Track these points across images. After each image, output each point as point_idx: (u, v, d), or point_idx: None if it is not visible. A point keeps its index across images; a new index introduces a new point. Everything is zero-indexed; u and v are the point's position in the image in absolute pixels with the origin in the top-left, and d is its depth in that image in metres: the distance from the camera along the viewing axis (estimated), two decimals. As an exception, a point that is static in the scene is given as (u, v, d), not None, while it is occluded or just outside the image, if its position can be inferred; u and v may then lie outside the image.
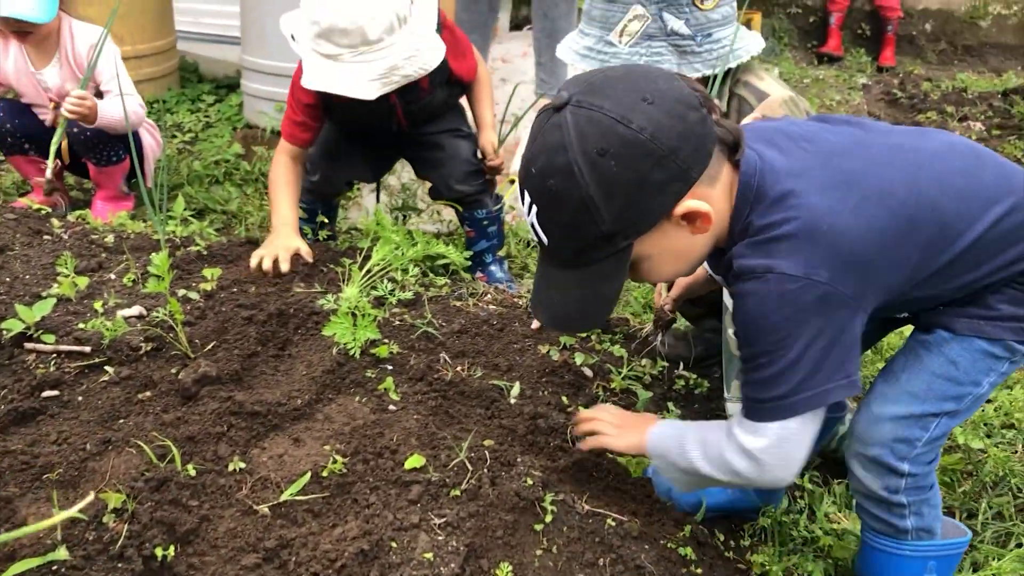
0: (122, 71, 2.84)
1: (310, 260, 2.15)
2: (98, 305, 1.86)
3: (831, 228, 1.19)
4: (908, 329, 1.48)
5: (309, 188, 2.43)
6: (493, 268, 2.61)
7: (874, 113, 4.65)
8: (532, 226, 1.21)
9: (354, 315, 1.78)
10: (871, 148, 1.30)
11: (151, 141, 3.03)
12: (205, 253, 2.23)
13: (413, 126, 2.38)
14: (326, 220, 2.48)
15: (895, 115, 4.65)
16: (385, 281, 1.94)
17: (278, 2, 3.27)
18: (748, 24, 5.67)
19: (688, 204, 1.18)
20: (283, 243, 2.14)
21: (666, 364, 1.97)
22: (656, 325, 1.92)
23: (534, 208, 1.18)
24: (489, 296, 2.15)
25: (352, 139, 2.42)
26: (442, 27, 2.27)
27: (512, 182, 2.76)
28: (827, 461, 1.84)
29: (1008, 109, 4.60)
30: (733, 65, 1.69)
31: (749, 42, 1.72)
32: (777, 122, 1.40)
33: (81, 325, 1.78)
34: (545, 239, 1.21)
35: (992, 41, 5.81)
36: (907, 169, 1.27)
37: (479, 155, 2.47)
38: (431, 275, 2.29)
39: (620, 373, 1.90)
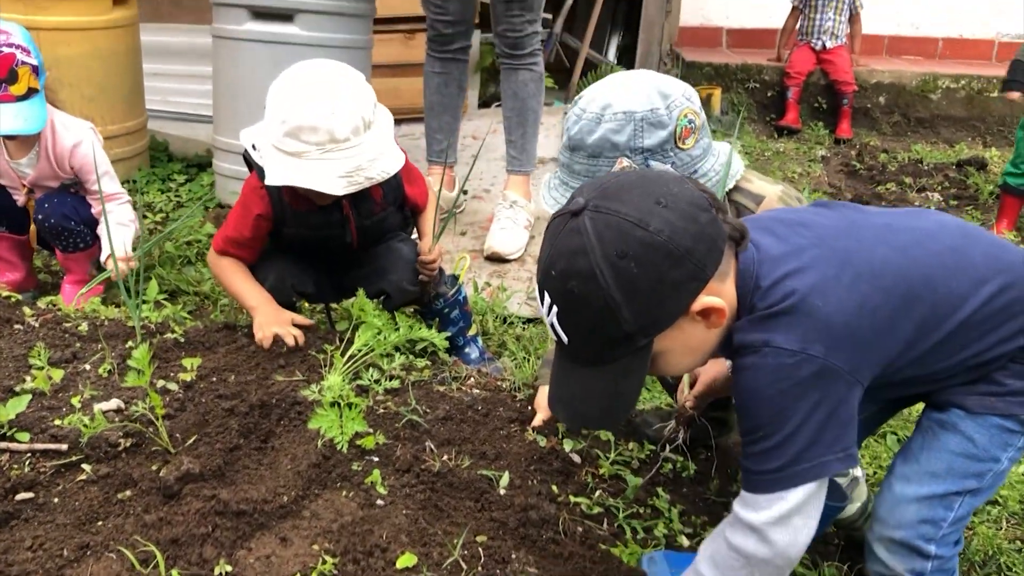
0: (110, 171, 2.82)
1: (310, 323, 2.21)
2: (75, 400, 1.82)
3: (826, 304, 1.24)
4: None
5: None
6: (468, 351, 2.59)
7: (835, 184, 4.76)
8: (552, 326, 1.25)
9: (339, 405, 1.76)
10: (864, 229, 1.35)
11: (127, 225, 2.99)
12: (182, 340, 2.19)
13: (362, 244, 2.36)
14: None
15: (855, 186, 4.77)
16: (370, 370, 1.92)
17: (249, 81, 3.31)
18: (708, 99, 5.83)
19: (704, 300, 1.23)
20: (275, 318, 2.15)
21: (653, 447, 1.96)
22: (678, 422, 1.91)
23: (554, 309, 1.22)
24: (472, 380, 2.14)
25: (301, 256, 2.39)
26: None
27: (464, 259, 2.77)
28: (815, 543, 1.83)
29: (964, 180, 4.74)
30: (729, 188, 1.73)
31: (733, 162, 1.76)
32: (774, 211, 1.44)
33: (57, 421, 1.73)
34: (566, 338, 1.24)
35: (943, 113, 6.02)
36: (900, 248, 1.33)
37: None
38: (411, 357, 2.28)
39: (608, 458, 1.89)
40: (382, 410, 1.89)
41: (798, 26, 6.01)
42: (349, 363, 1.96)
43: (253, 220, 2.24)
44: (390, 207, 2.38)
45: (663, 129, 1.64)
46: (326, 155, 2.05)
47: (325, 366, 2.03)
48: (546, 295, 1.23)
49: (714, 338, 1.30)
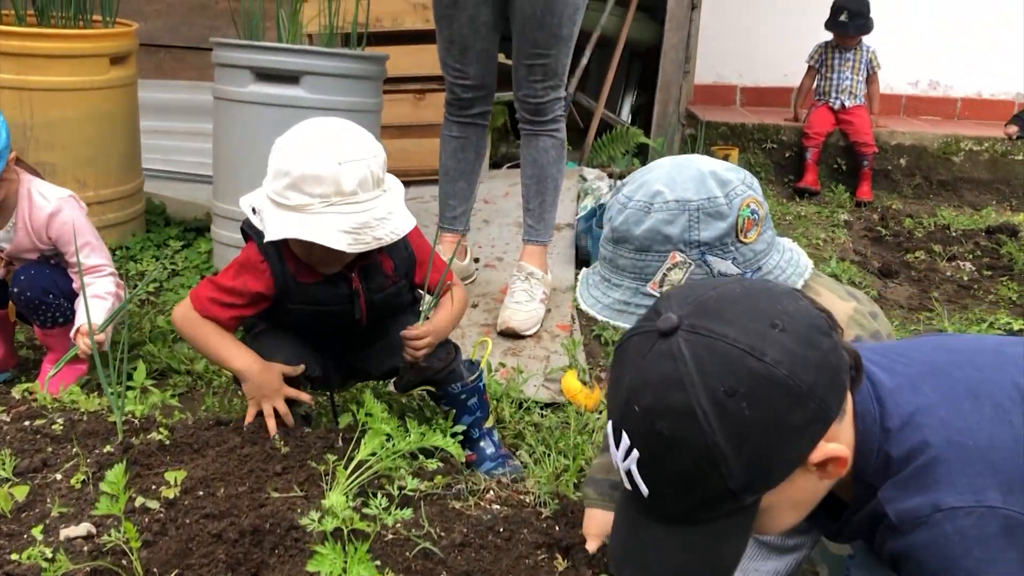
0: (92, 242, 2.62)
1: (305, 398, 2.08)
2: (37, 531, 1.58)
3: (977, 444, 1.03)
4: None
5: None
6: (483, 444, 2.36)
7: (860, 251, 4.56)
8: (628, 473, 1.03)
9: (341, 537, 1.53)
10: (970, 354, 1.15)
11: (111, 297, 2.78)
12: (167, 443, 1.97)
13: (371, 322, 2.18)
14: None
15: (882, 254, 4.57)
16: (378, 496, 1.67)
17: (251, 145, 3.12)
18: (726, 159, 5.67)
19: (827, 449, 1.01)
20: (267, 386, 2.02)
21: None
22: None
23: (634, 454, 1.01)
24: (492, 493, 1.91)
25: (304, 336, 2.20)
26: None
27: (483, 343, 2.52)
28: None
29: (996, 248, 4.54)
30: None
31: (799, 259, 1.55)
32: (861, 344, 1.23)
33: (15, 555, 1.50)
34: (646, 490, 1.02)
35: (966, 176, 5.84)
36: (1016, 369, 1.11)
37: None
38: (422, 458, 2.04)
39: (647, 592, 1.65)
40: (391, 536, 1.65)
41: (815, 86, 5.87)
42: (353, 477, 1.73)
43: (249, 296, 2.06)
44: (402, 280, 2.20)
45: (722, 220, 1.44)
46: (330, 208, 1.90)
47: (327, 478, 1.80)
48: (623, 436, 1.01)
49: (822, 490, 1.09)
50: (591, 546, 1.70)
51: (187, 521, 1.64)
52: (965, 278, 4.21)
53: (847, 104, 5.73)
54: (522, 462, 2.40)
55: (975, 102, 6.70)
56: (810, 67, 5.89)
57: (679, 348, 0.97)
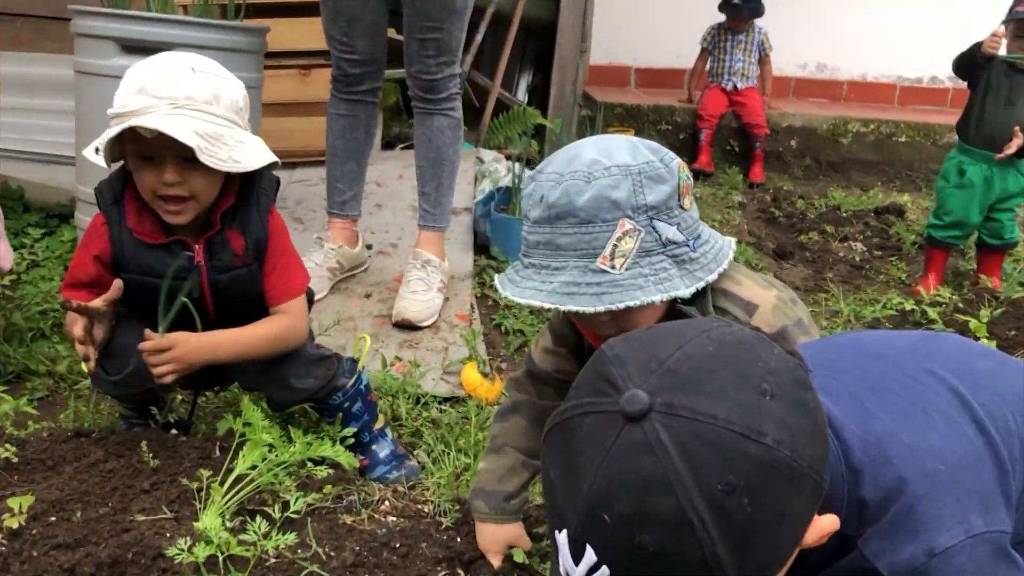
0: None
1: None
2: None
3: (946, 466, 0.94)
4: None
5: (121, 385, 1.91)
6: (375, 448, 2.19)
7: (755, 233, 4.58)
8: None
9: (217, 567, 1.35)
10: (894, 359, 1.06)
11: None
12: (16, 460, 1.73)
13: (220, 313, 1.93)
14: (155, 411, 1.99)
15: (776, 235, 4.60)
16: (257, 519, 1.49)
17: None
18: (623, 140, 5.62)
19: (822, 525, 0.86)
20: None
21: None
22: None
23: (603, 571, 0.80)
24: (387, 503, 1.76)
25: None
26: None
27: (362, 339, 2.31)
28: None
29: (885, 228, 4.63)
30: (725, 266, 1.41)
31: (721, 236, 1.46)
32: None
33: None
34: None
35: (853, 158, 5.97)
36: (958, 374, 1.03)
37: (313, 343, 1.98)
38: (309, 465, 1.87)
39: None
40: (273, 560, 1.48)
41: (708, 68, 5.89)
42: (231, 494, 1.55)
43: (91, 260, 1.85)
44: (252, 264, 1.93)
45: (664, 184, 1.32)
46: (178, 110, 1.70)
47: (200, 495, 1.61)
48: (588, 551, 0.79)
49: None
50: (494, 562, 1.58)
51: (34, 554, 1.44)
52: (857, 258, 4.27)
53: (739, 86, 5.76)
54: (420, 462, 2.25)
55: (860, 85, 6.86)
56: (703, 49, 5.89)
57: (657, 438, 0.78)
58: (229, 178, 1.92)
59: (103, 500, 1.61)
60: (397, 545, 1.60)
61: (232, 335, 1.86)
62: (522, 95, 5.25)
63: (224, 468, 1.63)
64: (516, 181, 3.63)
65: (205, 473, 1.63)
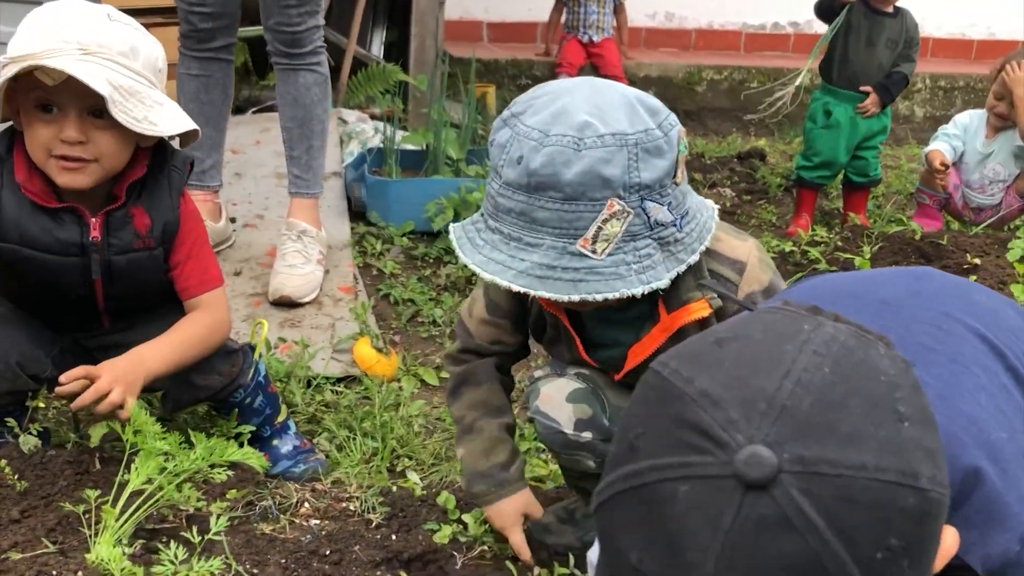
0: None
1: None
2: None
3: (1010, 436, 0.83)
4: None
5: None
6: (276, 443, 1.98)
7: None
8: None
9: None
10: (912, 311, 0.95)
11: None
12: None
13: (117, 306, 1.70)
14: (12, 424, 1.67)
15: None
16: (173, 545, 1.27)
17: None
18: (483, 98, 5.46)
19: (947, 547, 0.70)
20: None
21: (566, 572, 1.50)
22: None
23: None
24: (307, 505, 1.56)
25: (38, 324, 1.72)
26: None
27: (259, 325, 2.08)
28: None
29: (750, 173, 4.70)
30: (707, 242, 1.27)
31: (705, 205, 1.31)
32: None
33: None
34: None
35: (708, 105, 6.05)
36: (974, 318, 0.95)
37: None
38: (206, 469, 1.64)
39: (515, 598, 1.40)
40: (187, 586, 1.27)
41: (563, 20, 5.81)
42: (126, 516, 1.32)
43: None
44: (156, 248, 1.69)
45: (662, 158, 1.16)
46: (89, 56, 1.47)
47: (86, 519, 1.37)
48: None
49: None
50: (516, 538, 1.45)
51: None
52: (728, 204, 4.30)
53: (595, 39, 5.72)
54: (323, 451, 2.06)
55: (707, 33, 6.96)
56: (558, 1, 5.81)
57: (797, 509, 0.60)
58: (138, 150, 1.65)
59: (-37, 538, 1.35)
60: (327, 552, 1.41)
61: (159, 346, 1.62)
62: (377, 51, 4.99)
63: (115, 484, 1.39)
64: (386, 142, 3.41)
65: (92, 493, 1.38)
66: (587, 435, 1.48)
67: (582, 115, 1.15)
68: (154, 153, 1.68)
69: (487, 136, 4.66)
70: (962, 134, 3.63)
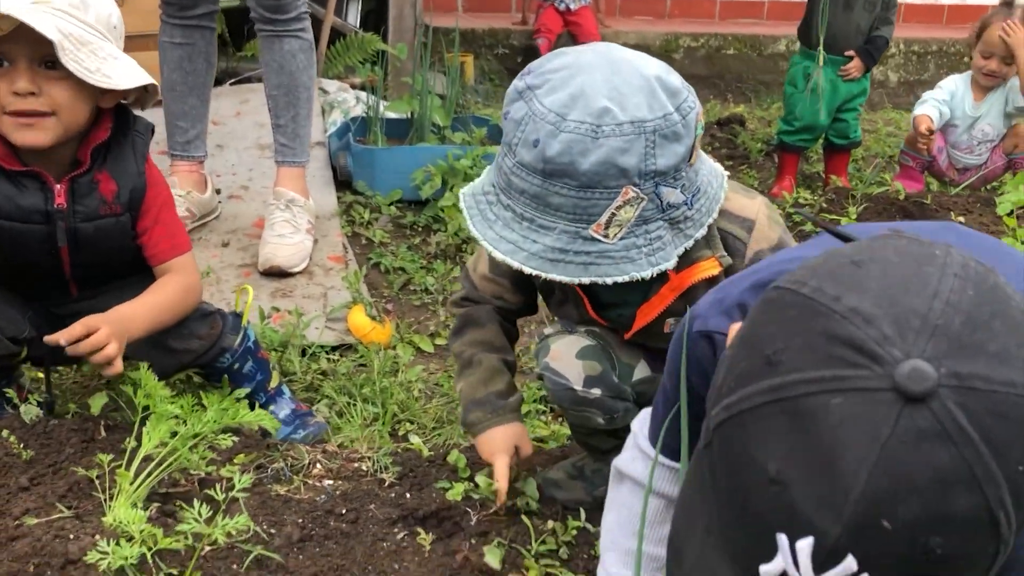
0: None
1: None
2: None
3: None
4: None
5: None
6: (273, 409, 1.95)
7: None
8: None
9: (146, 564, 1.13)
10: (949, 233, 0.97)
11: None
12: None
13: (84, 273, 1.67)
14: (11, 394, 1.67)
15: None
16: (196, 504, 1.25)
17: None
18: (462, 67, 5.41)
19: None
20: None
21: (579, 524, 1.51)
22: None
23: None
24: (319, 467, 1.56)
25: (10, 290, 1.68)
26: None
27: (244, 290, 2.04)
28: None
29: (731, 139, 4.71)
30: (716, 214, 1.27)
31: (715, 173, 1.30)
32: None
33: None
34: None
35: (686, 72, 5.93)
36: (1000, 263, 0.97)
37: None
38: (210, 436, 1.63)
39: (531, 550, 1.41)
40: (208, 548, 1.27)
41: (539, -13, 5.77)
42: (141, 479, 1.31)
43: None
44: (123, 214, 1.67)
45: (679, 144, 1.16)
46: (38, 4, 1.45)
47: (100, 484, 1.36)
48: (848, 560, 0.63)
49: None
50: (501, 467, 1.43)
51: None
52: (710, 170, 4.32)
53: (572, 6, 5.68)
54: (324, 418, 2.05)
55: (683, 1, 6.93)
56: (534, -31, 5.77)
57: (955, 422, 0.62)
58: (100, 113, 1.62)
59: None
60: (343, 511, 1.42)
61: (137, 307, 1.60)
62: (354, 20, 4.93)
63: (126, 450, 1.38)
64: (370, 111, 3.38)
65: (105, 457, 1.37)
66: (596, 391, 1.48)
67: (601, 100, 1.14)
68: (116, 117, 1.65)
69: (467, 107, 4.61)
70: (949, 99, 3.65)
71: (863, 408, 0.63)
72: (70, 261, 1.66)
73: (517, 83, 1.21)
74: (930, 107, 3.63)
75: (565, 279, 1.19)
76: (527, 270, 1.19)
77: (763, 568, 0.67)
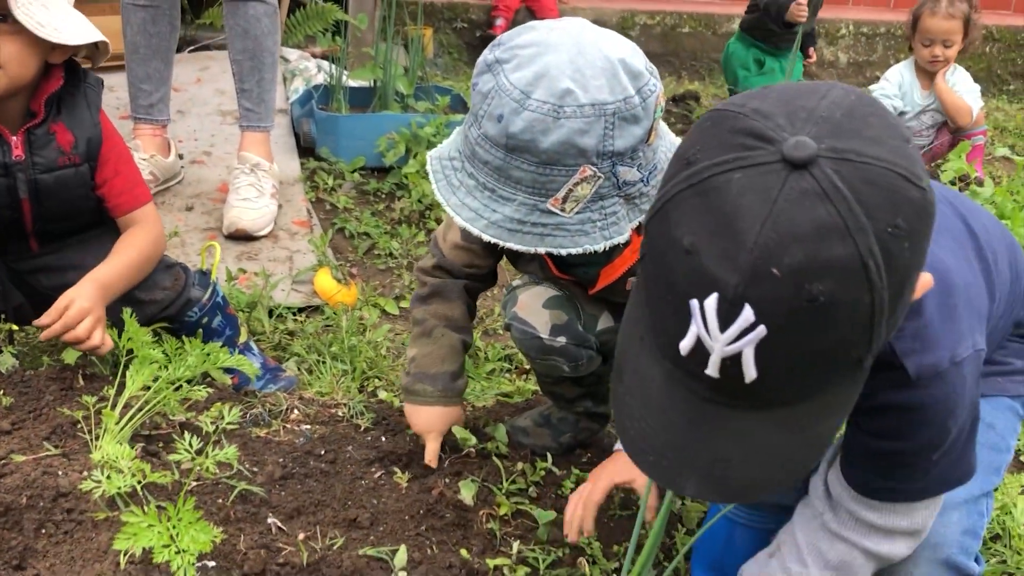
0: None
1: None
2: None
3: (962, 281, 0.98)
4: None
5: None
6: (243, 365, 2.01)
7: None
8: (728, 358, 0.78)
9: (136, 497, 1.17)
10: None
11: None
12: None
13: (41, 223, 1.68)
14: None
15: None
16: (187, 436, 1.29)
17: None
18: (419, 40, 5.43)
19: (924, 280, 0.86)
20: None
21: (547, 465, 1.59)
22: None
23: (759, 330, 0.75)
24: (297, 412, 1.61)
25: None
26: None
27: (210, 248, 2.06)
28: None
29: (687, 115, 4.81)
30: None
31: (674, 148, 1.36)
32: None
33: None
34: (752, 375, 0.78)
35: (643, 50, 6.10)
36: (951, 207, 1.08)
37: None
38: (185, 387, 1.66)
39: (501, 488, 1.48)
40: (194, 483, 1.32)
41: (498, -37, 5.79)
42: (125, 420, 1.35)
43: None
44: (82, 164, 1.68)
45: (637, 126, 1.20)
46: None
47: (85, 425, 1.39)
48: (746, 310, 0.75)
49: None
50: (433, 449, 1.49)
51: None
52: (666, 144, 4.41)
53: (531, -16, 5.73)
54: (295, 374, 2.10)
55: (642, -22, 7.01)
56: (492, -56, 5.78)
57: (831, 182, 0.74)
58: (50, 67, 1.63)
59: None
60: (322, 452, 1.47)
61: (112, 267, 1.62)
62: (314, -9, 4.91)
63: (111, 395, 1.42)
64: (331, 80, 3.40)
65: (90, 399, 1.41)
66: (561, 339, 1.54)
67: (565, 80, 1.17)
68: (67, 71, 1.66)
69: (426, 80, 4.61)
70: (898, 91, 3.75)
71: (758, 178, 0.76)
72: (32, 214, 1.66)
73: (487, 55, 1.25)
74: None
75: (522, 248, 1.24)
76: (486, 237, 1.24)
77: (682, 344, 0.79)
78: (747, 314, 0.75)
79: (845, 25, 6.31)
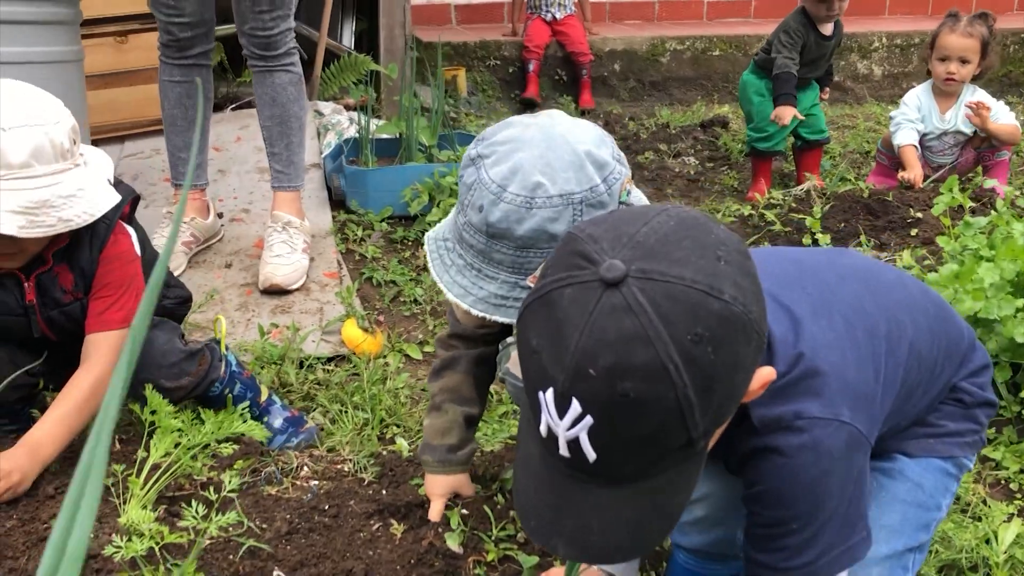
0: None
1: None
2: None
3: (841, 359, 1.08)
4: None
5: None
6: (268, 420, 2.15)
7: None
8: (572, 442, 0.92)
9: (154, 558, 1.34)
10: (808, 264, 1.19)
11: None
12: None
13: (65, 335, 1.85)
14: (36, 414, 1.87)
15: (616, 158, 4.76)
16: (194, 503, 1.47)
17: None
18: (454, 80, 5.62)
19: (762, 374, 0.98)
20: None
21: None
22: None
23: (587, 420, 0.90)
24: (306, 469, 1.77)
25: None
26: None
27: (217, 322, 2.22)
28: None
29: (713, 141, 4.89)
30: None
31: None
32: None
33: None
34: (593, 456, 0.92)
35: (673, 75, 6.22)
36: (860, 282, 1.18)
37: (182, 339, 1.91)
38: (214, 445, 1.84)
39: (490, 536, 1.61)
40: (208, 542, 1.48)
41: (527, -1, 5.95)
42: (149, 485, 1.52)
43: None
44: (84, 297, 1.84)
45: (604, 209, 1.34)
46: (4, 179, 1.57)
47: (115, 492, 1.57)
48: (574, 403, 0.90)
49: None
50: (436, 508, 1.63)
51: (-50, 580, 1.37)
52: (692, 172, 4.50)
53: (559, 16, 5.86)
54: (318, 424, 2.26)
55: (670, 3, 7.10)
56: (521, -21, 5.94)
57: (635, 299, 0.88)
58: None
59: (7, 514, 1.55)
60: (326, 507, 1.62)
61: (48, 428, 1.69)
62: (348, 42, 5.14)
63: (136, 461, 1.59)
64: (362, 132, 3.59)
65: (118, 468, 1.58)
66: None
67: (535, 175, 1.31)
68: None
69: (458, 119, 4.79)
70: (918, 114, 3.75)
71: (581, 293, 0.91)
72: (51, 333, 1.85)
73: (471, 150, 1.41)
74: (909, 132, 3.73)
75: (506, 320, 1.39)
76: (474, 312, 1.39)
77: (540, 428, 0.95)
78: (575, 406, 0.90)
79: (878, 37, 6.31)
